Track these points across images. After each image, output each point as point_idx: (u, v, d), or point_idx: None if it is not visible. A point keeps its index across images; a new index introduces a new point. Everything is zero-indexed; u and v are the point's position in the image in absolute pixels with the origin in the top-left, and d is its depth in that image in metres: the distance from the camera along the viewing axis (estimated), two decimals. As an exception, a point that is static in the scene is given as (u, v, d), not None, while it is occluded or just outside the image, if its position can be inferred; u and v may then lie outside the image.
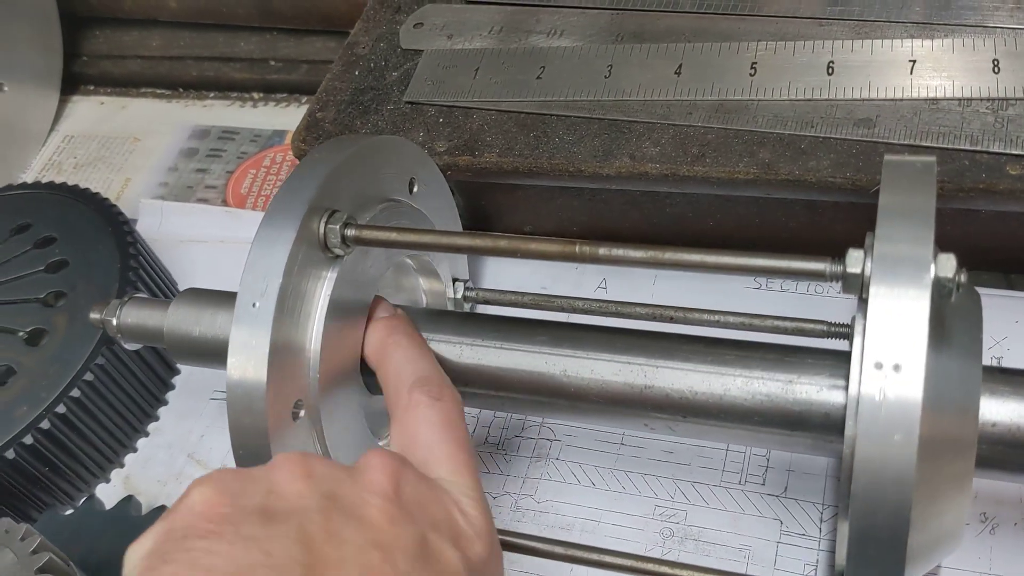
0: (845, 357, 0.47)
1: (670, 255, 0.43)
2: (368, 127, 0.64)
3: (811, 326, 0.54)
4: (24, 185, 0.78)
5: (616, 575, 0.51)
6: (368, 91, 0.67)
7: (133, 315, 0.59)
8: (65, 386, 0.62)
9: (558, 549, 0.48)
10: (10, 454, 0.60)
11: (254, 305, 0.45)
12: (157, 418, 0.70)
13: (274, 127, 0.88)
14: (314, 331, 0.48)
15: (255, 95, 0.92)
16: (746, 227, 0.62)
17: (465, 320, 0.54)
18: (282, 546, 0.33)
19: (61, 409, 0.62)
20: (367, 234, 0.48)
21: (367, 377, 0.53)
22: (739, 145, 0.57)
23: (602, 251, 0.44)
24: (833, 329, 0.54)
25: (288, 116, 0.89)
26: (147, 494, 0.64)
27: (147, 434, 0.69)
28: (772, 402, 0.47)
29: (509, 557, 0.55)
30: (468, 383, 0.52)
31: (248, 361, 0.45)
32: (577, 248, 0.44)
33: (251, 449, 0.46)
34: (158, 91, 0.96)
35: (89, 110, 0.96)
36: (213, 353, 0.56)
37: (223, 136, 0.89)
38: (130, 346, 0.60)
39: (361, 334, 0.51)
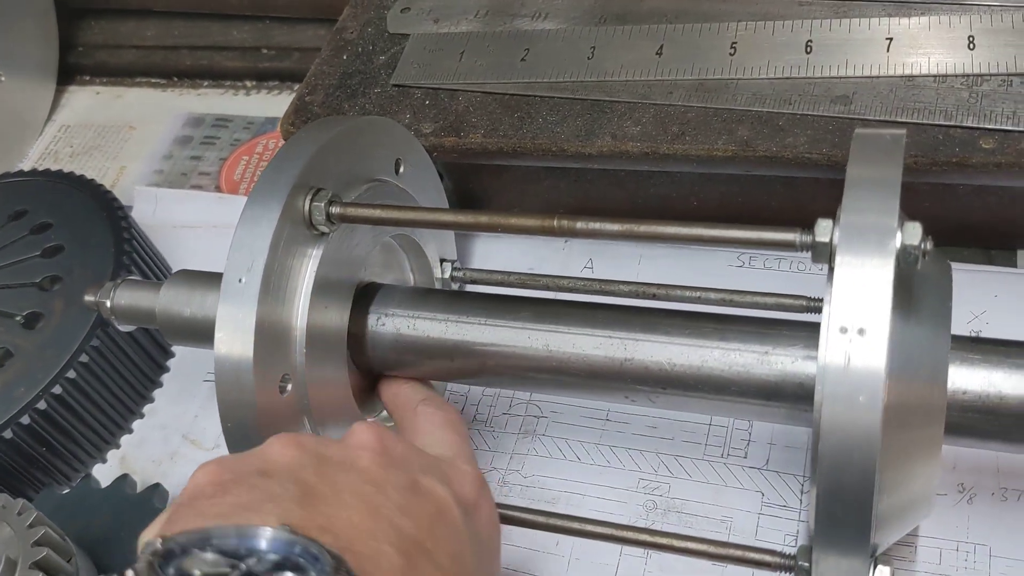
0: (819, 328, 0.48)
1: (645, 228, 0.44)
2: (356, 110, 0.65)
3: (791, 301, 0.55)
4: (21, 173, 0.79)
5: (601, 544, 0.52)
6: (356, 75, 0.68)
7: (126, 297, 0.60)
8: (61, 368, 0.64)
9: (544, 519, 0.49)
10: (7, 434, 0.61)
11: (240, 281, 0.46)
12: (152, 400, 0.71)
13: (267, 114, 0.89)
14: (300, 307, 0.49)
15: (248, 83, 0.93)
16: (728, 205, 0.63)
17: (450, 298, 0.55)
18: (281, 486, 0.36)
19: (58, 390, 0.63)
20: (352, 211, 0.49)
21: (355, 357, 0.54)
22: (718, 123, 0.58)
23: (579, 224, 0.45)
24: (812, 304, 0.55)
25: (280, 104, 0.90)
26: (143, 473, 0.65)
27: (142, 415, 0.70)
28: (748, 373, 0.48)
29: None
30: (453, 359, 0.53)
31: (235, 335, 0.46)
32: (556, 222, 0.45)
33: (239, 421, 0.47)
34: (153, 80, 0.97)
35: (85, 99, 0.97)
36: (204, 332, 0.57)
37: (217, 124, 0.90)
38: (123, 327, 0.61)
39: (347, 315, 0.53)
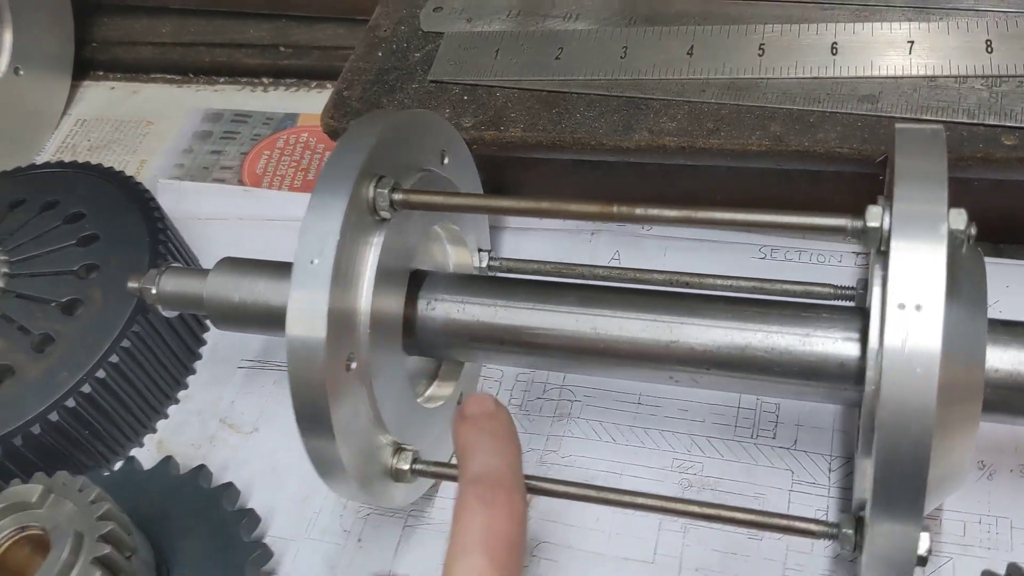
0: (856, 312, 0.51)
1: (703, 214, 0.47)
2: (394, 104, 0.68)
3: (819, 289, 0.58)
4: (47, 164, 0.80)
5: (639, 519, 0.54)
6: (392, 71, 0.70)
7: (172, 283, 0.61)
8: (104, 352, 0.65)
9: (587, 492, 0.52)
10: (54, 416, 0.63)
11: (312, 263, 0.48)
12: (186, 386, 0.72)
13: (286, 110, 0.91)
14: (365, 291, 0.51)
15: (266, 80, 0.95)
16: (752, 200, 0.66)
17: (496, 284, 0.57)
18: None
19: (101, 374, 0.64)
20: (413, 198, 0.51)
21: (406, 340, 0.56)
22: (751, 119, 0.61)
23: (638, 211, 0.48)
24: (840, 291, 0.58)
25: (299, 100, 0.92)
26: (183, 456, 0.66)
27: (177, 401, 0.71)
28: (791, 354, 0.50)
29: (539, 505, 0.59)
30: (503, 342, 0.55)
31: (308, 316, 0.48)
32: (615, 208, 0.48)
33: (309, 399, 0.49)
34: (169, 76, 0.98)
35: (100, 95, 0.98)
36: (252, 317, 0.59)
37: (236, 119, 0.91)
38: (168, 313, 0.63)
39: (403, 299, 0.55)
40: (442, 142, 0.60)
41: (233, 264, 0.61)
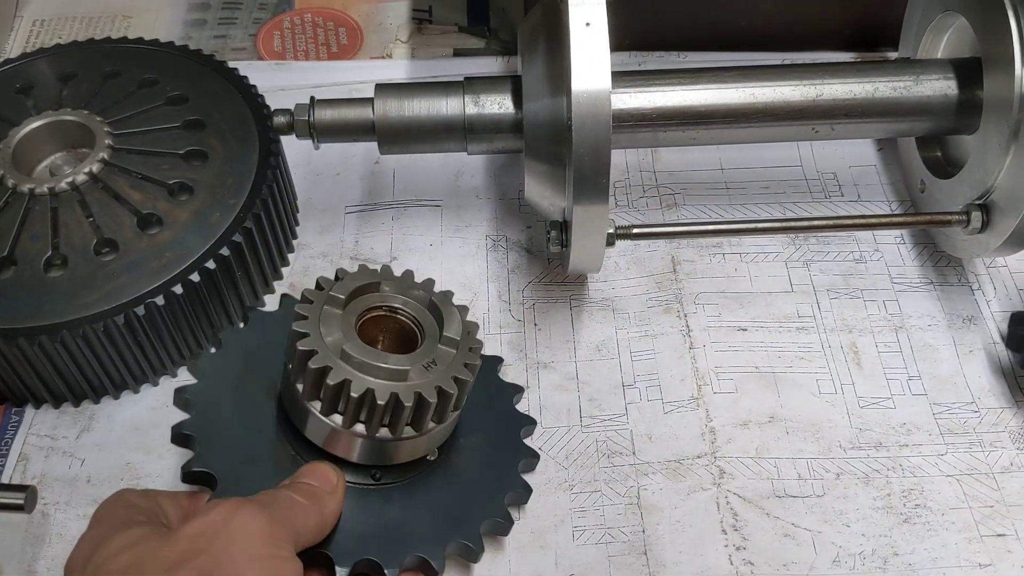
0: (963, 62, 0.66)
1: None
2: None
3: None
4: (138, 40, 0.77)
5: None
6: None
7: (328, 114, 0.65)
8: (249, 191, 0.66)
9: (721, 227, 0.65)
10: (178, 288, 0.62)
11: (587, 25, 0.56)
12: (296, 235, 0.74)
13: (279, -5, 0.93)
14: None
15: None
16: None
17: (662, 73, 0.67)
18: None
19: (249, 224, 0.65)
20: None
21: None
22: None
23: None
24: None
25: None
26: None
27: (293, 249, 0.74)
28: (909, 91, 0.65)
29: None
30: (687, 120, 0.65)
31: (593, 69, 0.55)
32: None
33: (592, 146, 0.56)
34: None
35: (49, -6, 0.94)
36: (426, 131, 0.65)
37: (227, 6, 0.91)
38: (323, 142, 0.66)
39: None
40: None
41: (392, 88, 0.66)
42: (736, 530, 0.59)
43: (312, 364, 0.49)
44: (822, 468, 0.61)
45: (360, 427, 0.51)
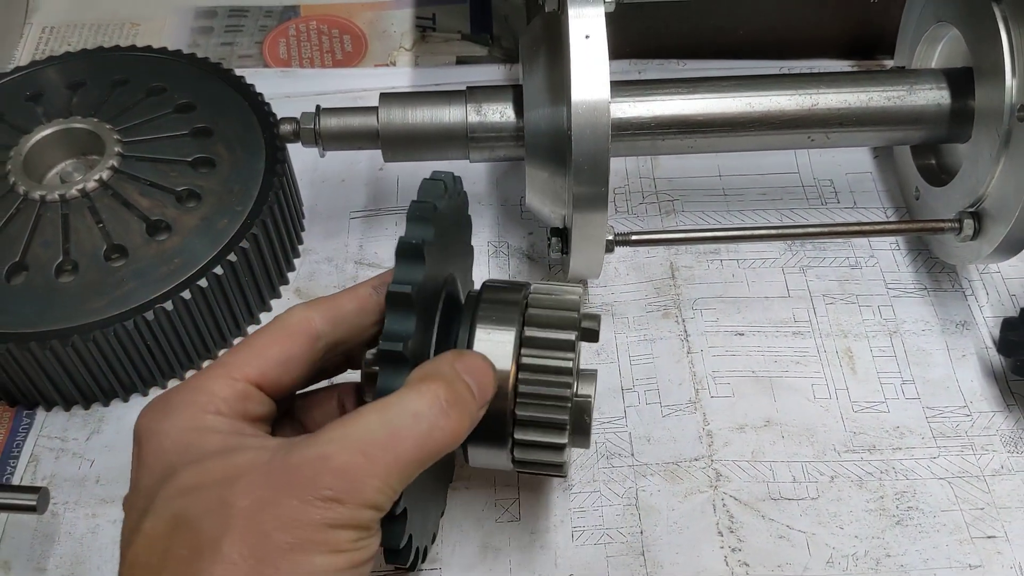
0: (955, 72, 0.67)
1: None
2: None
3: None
4: (149, 48, 0.79)
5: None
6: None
7: (333, 122, 0.67)
8: (256, 198, 0.68)
9: (717, 234, 0.67)
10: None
11: (587, 38, 0.57)
12: (302, 241, 0.76)
13: (283, 3, 0.94)
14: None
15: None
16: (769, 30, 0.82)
17: (660, 83, 0.68)
18: None
19: (256, 231, 0.67)
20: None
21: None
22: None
23: None
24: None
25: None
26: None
27: (299, 254, 0.75)
28: (903, 101, 0.66)
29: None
30: (684, 128, 0.66)
31: (593, 80, 0.57)
32: None
33: (591, 156, 0.58)
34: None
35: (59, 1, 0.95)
36: (429, 139, 0.67)
37: (233, 15, 0.93)
38: (328, 150, 0.67)
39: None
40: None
41: (395, 97, 0.67)
42: (732, 532, 0.60)
43: None
44: (816, 471, 0.62)
45: None
